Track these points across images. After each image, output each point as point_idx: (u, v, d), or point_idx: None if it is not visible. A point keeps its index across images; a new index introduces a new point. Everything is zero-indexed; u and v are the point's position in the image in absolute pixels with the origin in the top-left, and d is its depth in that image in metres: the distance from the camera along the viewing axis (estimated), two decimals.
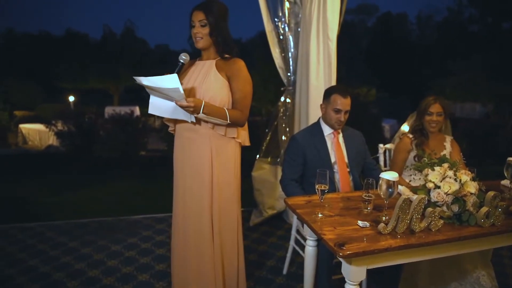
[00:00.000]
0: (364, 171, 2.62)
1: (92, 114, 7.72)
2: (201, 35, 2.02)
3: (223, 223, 2.15)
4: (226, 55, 2.08)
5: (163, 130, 7.36)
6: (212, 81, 2.01)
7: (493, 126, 8.53)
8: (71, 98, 16.99)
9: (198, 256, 2.11)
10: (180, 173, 2.15)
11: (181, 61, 1.94)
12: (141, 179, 5.80)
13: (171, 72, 1.80)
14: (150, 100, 1.95)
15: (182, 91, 1.76)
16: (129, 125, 7.04)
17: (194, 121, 1.99)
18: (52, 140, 9.08)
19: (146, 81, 1.78)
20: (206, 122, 2.01)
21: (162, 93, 1.84)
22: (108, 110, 10.79)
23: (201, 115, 1.91)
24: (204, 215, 2.08)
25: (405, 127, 3.08)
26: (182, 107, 1.85)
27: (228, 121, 1.99)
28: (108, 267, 2.92)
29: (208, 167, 2.07)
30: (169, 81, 1.74)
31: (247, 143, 2.19)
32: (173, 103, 1.88)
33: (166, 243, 3.31)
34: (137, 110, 11.46)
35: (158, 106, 1.95)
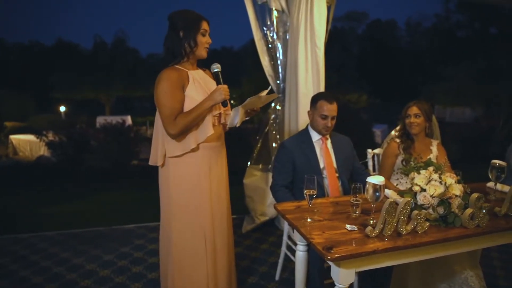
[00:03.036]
0: (353, 176, 2.65)
1: (84, 124, 7.71)
2: (208, 45, 2.08)
3: (230, 220, 2.29)
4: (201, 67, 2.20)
5: None
6: None
7: (483, 130, 8.64)
8: (62, 108, 16.89)
9: (230, 263, 2.26)
10: (209, 186, 2.11)
11: (218, 69, 2.03)
12: (133, 188, 5.79)
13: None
14: (235, 113, 2.07)
15: None
16: (121, 135, 7.04)
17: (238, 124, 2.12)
18: (43, 150, 9.01)
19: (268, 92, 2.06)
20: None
21: (262, 102, 2.07)
22: (100, 120, 10.76)
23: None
24: (228, 218, 2.24)
25: None
26: (253, 111, 2.10)
27: None
28: (100, 277, 2.91)
29: (227, 169, 2.24)
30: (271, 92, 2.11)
31: None
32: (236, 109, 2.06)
33: (158, 251, 3.30)
34: (128, 120, 11.45)
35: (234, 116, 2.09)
